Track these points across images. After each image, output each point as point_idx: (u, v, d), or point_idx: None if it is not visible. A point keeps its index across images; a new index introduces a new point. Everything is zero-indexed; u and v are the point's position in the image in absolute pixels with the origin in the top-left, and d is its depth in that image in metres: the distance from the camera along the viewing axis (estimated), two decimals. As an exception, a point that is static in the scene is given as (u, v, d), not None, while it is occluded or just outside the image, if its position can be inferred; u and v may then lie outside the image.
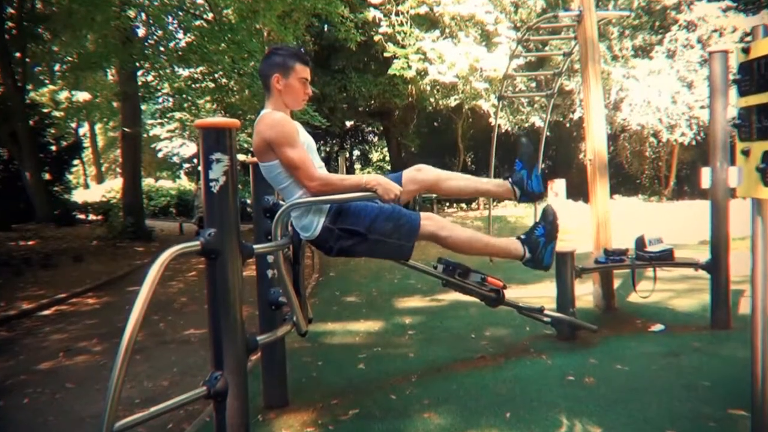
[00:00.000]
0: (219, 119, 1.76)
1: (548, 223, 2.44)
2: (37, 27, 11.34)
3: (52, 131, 15.32)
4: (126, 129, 12.35)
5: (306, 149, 2.19)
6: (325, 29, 15.73)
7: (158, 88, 12.05)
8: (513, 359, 3.21)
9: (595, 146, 4.20)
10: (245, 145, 20.75)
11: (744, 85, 1.85)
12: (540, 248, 2.41)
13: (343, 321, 4.32)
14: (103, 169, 30.04)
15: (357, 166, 27.27)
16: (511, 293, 3.67)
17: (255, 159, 2.56)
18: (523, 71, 13.70)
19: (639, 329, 3.71)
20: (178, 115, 13.53)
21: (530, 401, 2.55)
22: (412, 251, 2.28)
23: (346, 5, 12.13)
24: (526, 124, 16.80)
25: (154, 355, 3.94)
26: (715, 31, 15.14)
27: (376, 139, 27.30)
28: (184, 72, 11.64)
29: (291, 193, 2.23)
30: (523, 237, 2.44)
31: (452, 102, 15.98)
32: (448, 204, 18.13)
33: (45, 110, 15.23)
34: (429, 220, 2.28)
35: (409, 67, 13.92)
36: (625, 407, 2.43)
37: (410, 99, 16.66)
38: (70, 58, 12.35)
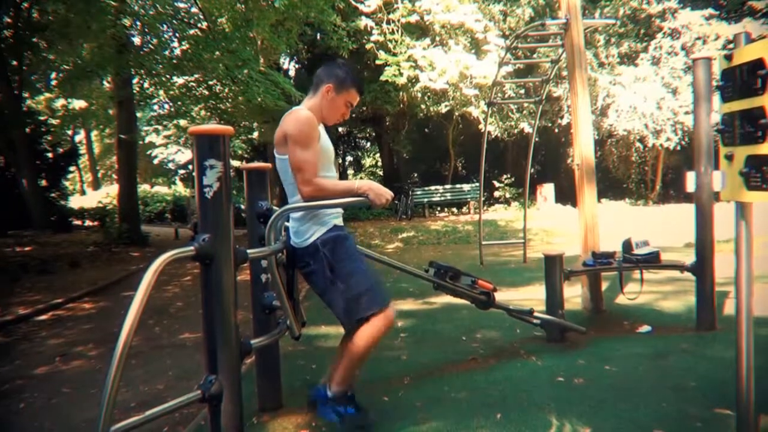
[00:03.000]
0: (213, 126, 1.79)
1: (353, 420, 2.29)
2: (34, 36, 11.29)
3: (49, 138, 15.32)
4: (122, 136, 12.31)
5: (321, 155, 2.19)
6: (318, 37, 15.79)
7: (153, 95, 12.04)
8: (503, 361, 3.24)
9: (582, 151, 4.26)
10: (239, 152, 20.74)
11: (727, 92, 1.90)
12: (336, 405, 2.29)
13: (337, 324, 4.26)
14: (99, 175, 29.90)
15: (350, 171, 27.30)
16: (501, 296, 3.70)
17: (248, 165, 2.59)
18: (512, 78, 13.84)
19: (626, 331, 3.76)
20: (174, 121, 13.51)
21: (520, 402, 2.58)
22: (352, 324, 2.20)
23: (338, 14, 12.21)
24: (516, 130, 16.94)
25: (149, 360, 3.93)
26: (698, 38, 15.41)
27: (368, 144, 27.38)
28: (179, 80, 11.64)
29: (293, 193, 2.23)
30: (349, 396, 2.32)
31: (443, 108, 16.09)
32: (439, 209, 18.19)
33: (41, 118, 15.22)
34: (390, 314, 2.20)
35: (401, 74, 14.01)
36: (614, 407, 2.46)
37: (402, 105, 16.74)
38: (66, 67, 12.31)
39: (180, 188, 25.39)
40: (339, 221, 2.32)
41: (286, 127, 2.16)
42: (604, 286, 4.42)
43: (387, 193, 2.13)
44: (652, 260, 3.75)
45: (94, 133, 25.90)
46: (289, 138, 2.13)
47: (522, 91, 16.39)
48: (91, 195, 23.18)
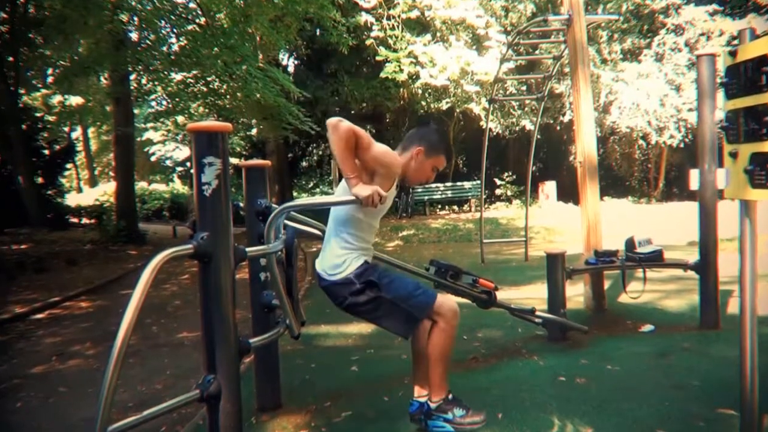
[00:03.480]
0: (211, 123, 1.77)
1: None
2: (30, 31, 11.27)
3: (45, 135, 15.31)
4: (120, 130, 12.29)
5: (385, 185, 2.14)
6: (317, 33, 15.75)
7: (151, 91, 12.02)
8: (505, 360, 3.23)
9: (585, 149, 4.24)
10: (237, 149, 20.73)
11: (731, 88, 1.88)
12: (443, 419, 2.27)
13: (336, 324, 4.31)
14: (96, 172, 29.90)
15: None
16: (503, 295, 3.69)
17: (247, 162, 2.57)
18: (514, 75, 13.80)
19: (629, 330, 3.75)
20: (172, 118, 13.50)
21: (522, 402, 2.56)
22: (413, 330, 2.24)
23: (337, 10, 12.15)
24: (517, 127, 16.90)
25: (147, 359, 3.92)
26: (702, 34, 15.35)
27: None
28: (177, 76, 11.61)
29: (345, 223, 2.22)
30: (450, 399, 2.31)
31: (444, 105, 16.05)
32: (440, 206, 18.17)
33: (38, 114, 15.19)
34: (447, 304, 2.23)
35: (401, 70, 13.98)
36: (616, 407, 2.45)
37: (402, 102, 16.71)
38: (63, 63, 12.29)
39: (178, 186, 25.37)
40: (370, 259, 2.34)
41: (378, 145, 2.14)
42: (607, 284, 4.40)
43: (376, 196, 2.08)
44: (655, 259, 3.73)
45: (91, 130, 25.85)
46: (374, 145, 2.11)
47: (524, 88, 16.35)
48: (88, 192, 23.14)
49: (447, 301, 2.25)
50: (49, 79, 14.50)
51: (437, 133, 2.38)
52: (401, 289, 2.20)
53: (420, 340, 2.30)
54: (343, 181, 2.15)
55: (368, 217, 2.24)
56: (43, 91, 15.61)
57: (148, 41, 11.23)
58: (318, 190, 23.94)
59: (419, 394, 2.38)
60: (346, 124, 2.04)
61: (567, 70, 11.05)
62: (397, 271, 2.35)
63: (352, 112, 17.32)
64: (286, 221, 2.45)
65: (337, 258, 2.22)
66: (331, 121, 2.05)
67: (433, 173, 2.35)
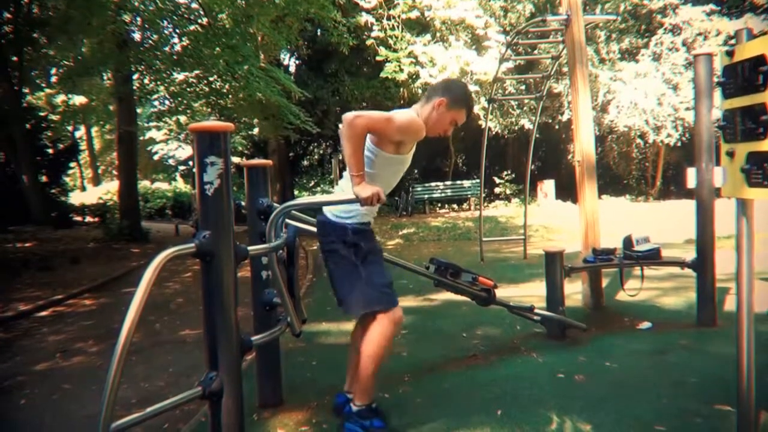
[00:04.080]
0: (213, 123, 1.78)
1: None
2: (34, 31, 11.27)
3: (49, 134, 15.33)
4: (123, 129, 12.31)
5: (397, 162, 2.24)
6: (318, 33, 15.76)
7: (154, 91, 12.04)
8: (504, 358, 3.25)
9: (583, 148, 4.26)
10: (239, 148, 20.73)
11: (728, 88, 1.89)
12: (362, 422, 2.28)
13: (337, 321, 4.32)
14: (99, 171, 29.91)
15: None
16: (502, 292, 3.70)
17: (249, 162, 2.58)
18: (513, 74, 13.81)
19: (627, 327, 3.76)
20: (174, 117, 13.51)
21: (521, 399, 2.58)
22: (360, 314, 2.29)
23: (338, 10, 12.17)
24: (516, 126, 16.91)
25: (150, 356, 3.93)
26: (699, 34, 15.38)
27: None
28: (179, 76, 11.62)
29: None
30: (373, 408, 2.31)
31: (443, 104, 16.03)
32: (439, 205, 18.18)
33: (41, 114, 15.20)
34: (395, 320, 2.25)
35: (401, 70, 13.99)
36: (614, 404, 2.47)
37: (402, 102, 16.69)
38: (66, 63, 12.29)
39: (180, 184, 25.37)
40: (372, 221, 2.39)
41: (394, 113, 2.17)
42: (605, 282, 4.42)
43: (376, 198, 2.10)
44: (653, 257, 3.75)
45: (94, 129, 25.90)
46: (395, 123, 2.13)
47: (523, 88, 16.37)
48: (91, 191, 23.18)
49: (400, 312, 2.28)
50: (53, 79, 14.52)
51: (462, 87, 2.39)
52: (378, 276, 2.24)
53: (362, 334, 2.30)
54: (347, 172, 2.17)
55: (394, 175, 2.31)
56: (47, 90, 15.61)
57: (150, 41, 11.24)
58: (319, 188, 23.95)
59: (349, 389, 2.45)
60: (361, 121, 2.05)
61: (565, 69, 11.07)
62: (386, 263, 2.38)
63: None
64: (288, 220, 2.47)
65: (349, 206, 2.24)
66: (347, 116, 2.06)
67: (451, 127, 2.35)
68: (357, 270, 2.23)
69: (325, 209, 2.33)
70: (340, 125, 2.11)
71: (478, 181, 16.79)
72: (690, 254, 3.82)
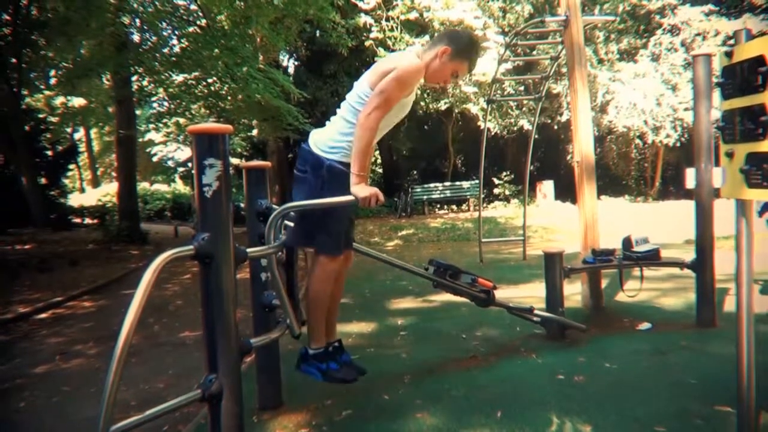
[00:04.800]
0: (212, 125, 1.78)
1: (335, 377, 2.41)
2: (33, 33, 11.27)
3: (48, 136, 15.33)
4: (122, 132, 12.32)
5: (402, 104, 2.25)
6: (317, 35, 15.76)
7: (153, 93, 12.04)
8: (504, 359, 3.24)
9: (582, 148, 4.26)
10: (238, 150, 20.73)
11: (727, 88, 1.89)
12: (318, 363, 2.38)
13: (336, 322, 4.32)
14: (98, 173, 29.91)
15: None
16: (501, 294, 3.70)
17: (248, 164, 2.58)
18: (511, 75, 13.80)
19: (627, 328, 3.76)
20: (174, 119, 13.53)
21: (521, 400, 2.58)
22: (305, 245, 2.40)
23: (337, 11, 12.18)
24: (515, 127, 16.92)
25: (149, 358, 3.92)
26: (698, 34, 15.40)
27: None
28: (178, 77, 11.63)
29: (351, 113, 2.25)
30: (329, 351, 2.42)
31: (442, 106, 16.08)
32: (438, 206, 18.18)
33: (41, 115, 15.19)
34: (336, 262, 2.33)
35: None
36: (614, 405, 2.47)
37: (400, 102, 16.72)
38: (65, 65, 12.29)
39: (179, 186, 25.37)
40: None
41: (399, 63, 2.17)
42: (604, 283, 4.42)
43: (374, 198, 2.14)
44: (652, 257, 3.75)
45: (93, 131, 25.90)
46: (396, 71, 2.13)
47: (521, 88, 16.37)
48: (90, 193, 23.21)
49: (339, 262, 2.36)
50: (52, 81, 14.50)
51: (469, 37, 2.35)
52: (334, 223, 2.29)
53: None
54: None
55: (396, 115, 2.31)
56: (46, 92, 15.61)
57: (150, 43, 11.24)
58: (317, 190, 23.92)
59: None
60: (376, 114, 2.09)
61: (564, 70, 11.08)
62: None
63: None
64: (287, 222, 2.46)
65: (334, 141, 2.24)
66: (361, 118, 2.10)
67: (451, 79, 2.33)
68: (323, 210, 2.25)
69: (311, 140, 2.33)
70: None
71: (477, 181, 16.79)
72: (689, 255, 3.82)
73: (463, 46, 2.27)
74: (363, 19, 14.03)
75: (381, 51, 14.05)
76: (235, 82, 10.90)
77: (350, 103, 2.32)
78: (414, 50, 2.36)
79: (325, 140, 2.28)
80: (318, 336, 2.38)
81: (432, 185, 18.18)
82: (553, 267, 3.57)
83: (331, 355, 2.38)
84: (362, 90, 2.27)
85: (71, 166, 19.25)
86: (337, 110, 2.38)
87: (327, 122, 2.41)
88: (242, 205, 2.59)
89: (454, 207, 18.02)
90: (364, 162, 2.12)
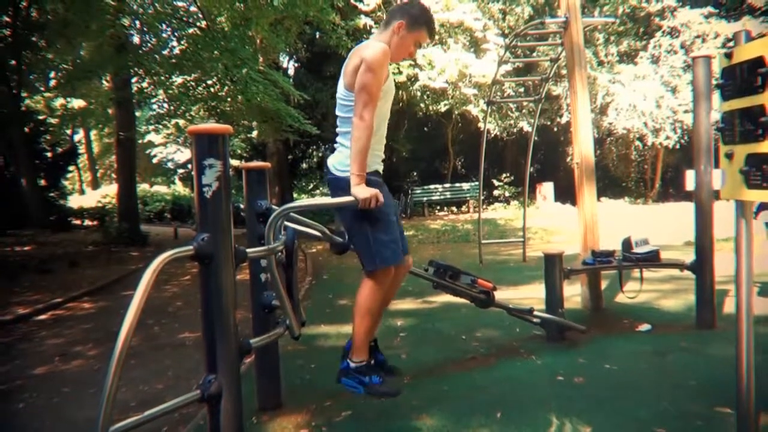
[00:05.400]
0: (211, 125, 1.78)
1: (376, 392, 2.33)
2: (33, 35, 11.28)
3: (48, 138, 15.35)
4: (122, 134, 12.32)
5: (385, 92, 2.24)
6: (317, 36, 15.77)
7: (153, 94, 12.05)
8: (503, 360, 3.24)
9: (582, 150, 4.26)
10: (238, 151, 20.73)
11: (727, 90, 1.89)
12: (360, 376, 2.32)
13: (337, 324, 4.32)
14: (98, 174, 29.92)
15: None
16: (501, 295, 3.70)
17: (248, 164, 2.58)
18: (511, 77, 13.82)
19: (626, 329, 3.76)
20: (173, 121, 13.53)
21: (521, 401, 2.58)
22: (372, 270, 2.27)
23: (337, 13, 12.18)
24: (515, 129, 16.93)
25: (149, 359, 3.92)
26: (698, 36, 15.42)
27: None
28: (178, 79, 11.64)
29: (345, 124, 2.25)
30: (371, 364, 2.37)
31: (442, 107, 16.08)
32: (438, 207, 18.18)
33: (40, 117, 15.20)
34: (389, 275, 2.28)
35: (400, 72, 14.00)
36: (614, 406, 2.46)
37: (401, 104, 16.71)
38: (65, 66, 12.30)
39: (179, 188, 25.38)
40: (380, 168, 2.36)
41: (364, 54, 2.16)
42: (604, 284, 4.42)
43: (374, 199, 2.13)
44: (652, 259, 3.75)
45: (93, 133, 25.90)
46: (364, 63, 2.14)
47: (521, 90, 16.39)
48: (90, 194, 23.19)
49: (393, 273, 2.31)
50: (52, 82, 14.50)
51: (419, 5, 2.34)
52: (385, 232, 2.24)
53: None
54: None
55: (385, 105, 2.29)
56: (46, 94, 15.62)
57: (149, 45, 11.24)
58: (318, 191, 23.94)
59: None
60: (368, 114, 2.09)
61: (564, 72, 11.09)
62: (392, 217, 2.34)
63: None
64: (287, 222, 2.46)
65: (347, 157, 2.22)
66: (356, 121, 2.11)
67: (415, 49, 2.34)
68: (363, 224, 2.23)
69: (330, 164, 2.32)
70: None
71: (477, 183, 16.79)
72: (689, 256, 3.82)
73: (416, 14, 2.28)
74: (363, 21, 14.04)
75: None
76: (234, 83, 10.91)
77: (339, 114, 2.33)
78: (373, 38, 2.37)
79: (339, 161, 2.29)
80: (363, 349, 2.32)
81: (432, 187, 18.18)
82: (553, 268, 3.57)
83: (373, 368, 2.32)
84: (340, 94, 2.28)
85: (71, 168, 19.27)
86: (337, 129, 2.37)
87: (335, 143, 2.39)
88: (242, 206, 2.59)
89: (454, 208, 18.03)
90: (363, 162, 2.12)
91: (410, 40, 2.29)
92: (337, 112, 2.34)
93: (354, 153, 2.11)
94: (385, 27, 2.31)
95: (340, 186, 2.25)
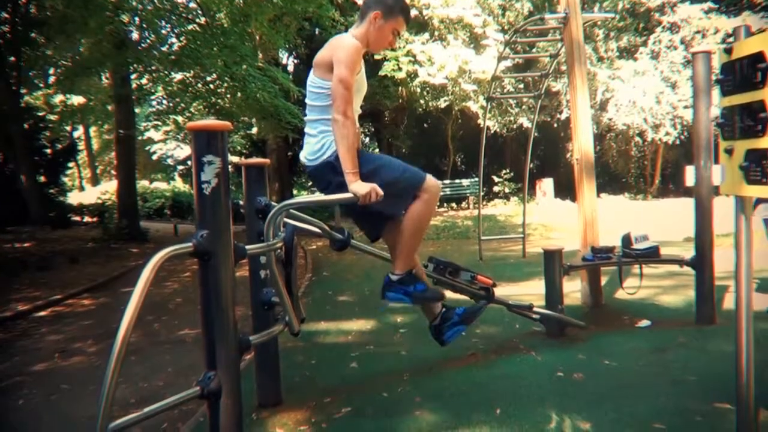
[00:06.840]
0: (210, 122, 1.78)
1: (472, 312, 2.48)
2: (32, 31, 11.25)
3: (47, 134, 15.29)
4: (121, 131, 12.31)
5: (357, 87, 2.23)
6: (316, 32, 15.74)
7: (152, 91, 12.02)
8: (503, 356, 3.25)
9: (581, 146, 4.26)
10: (237, 147, 20.71)
11: (727, 85, 1.89)
12: (449, 322, 2.41)
13: (336, 320, 4.33)
14: (98, 171, 29.88)
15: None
16: (501, 291, 3.70)
17: (247, 161, 2.57)
18: (511, 73, 13.81)
19: (626, 325, 3.77)
20: (173, 117, 13.51)
21: (520, 397, 2.58)
22: (403, 208, 2.28)
23: (336, 9, 12.16)
24: (515, 125, 16.91)
25: (148, 356, 3.92)
26: (697, 32, 15.40)
27: (367, 140, 27.33)
28: (177, 75, 11.62)
29: (324, 111, 2.23)
30: (412, 273, 2.40)
31: (442, 103, 16.07)
32: (438, 204, 18.18)
33: (40, 113, 15.17)
34: (432, 180, 2.29)
35: (400, 69, 13.99)
36: (614, 402, 2.47)
37: (401, 100, 16.71)
38: (64, 63, 12.27)
39: (179, 184, 25.35)
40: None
41: (336, 48, 2.16)
42: (604, 280, 4.42)
43: (374, 194, 2.13)
44: (652, 255, 3.75)
45: (92, 129, 25.88)
46: (336, 58, 2.14)
47: (521, 86, 16.38)
48: (89, 191, 23.16)
49: (432, 178, 2.31)
50: (51, 79, 14.48)
51: None
52: (389, 174, 2.22)
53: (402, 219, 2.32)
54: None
55: (358, 97, 2.28)
56: (45, 90, 15.60)
57: (148, 41, 11.22)
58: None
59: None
60: (348, 110, 2.09)
61: (564, 68, 11.07)
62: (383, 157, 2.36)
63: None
64: (286, 219, 2.46)
65: (316, 143, 2.23)
66: (336, 117, 2.09)
67: (394, 38, 2.34)
68: (376, 185, 2.19)
69: (302, 157, 2.33)
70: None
71: (476, 179, 16.79)
72: (689, 252, 3.82)
73: (391, 4, 2.29)
74: (362, 17, 14.02)
75: (380, 49, 14.05)
76: (234, 80, 10.89)
77: (308, 102, 2.32)
78: (351, 30, 2.36)
79: (313, 150, 2.28)
80: (407, 261, 2.33)
81: (431, 183, 18.17)
82: (553, 264, 3.57)
83: (414, 277, 2.34)
84: (311, 81, 2.28)
85: (70, 164, 19.20)
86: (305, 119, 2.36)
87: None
88: (241, 202, 2.58)
89: (454, 205, 18.03)
90: (354, 159, 2.12)
91: (388, 29, 2.29)
92: (307, 100, 2.34)
93: (343, 151, 2.10)
94: (362, 19, 2.31)
95: (322, 174, 2.26)
